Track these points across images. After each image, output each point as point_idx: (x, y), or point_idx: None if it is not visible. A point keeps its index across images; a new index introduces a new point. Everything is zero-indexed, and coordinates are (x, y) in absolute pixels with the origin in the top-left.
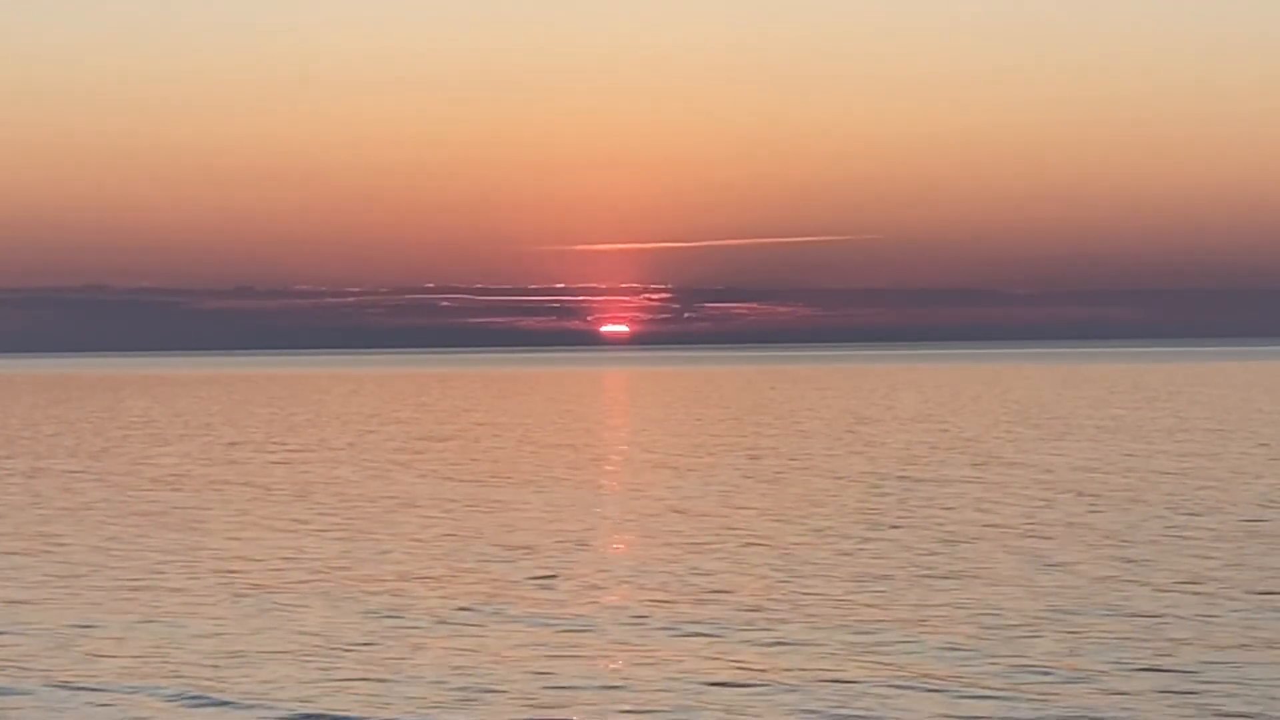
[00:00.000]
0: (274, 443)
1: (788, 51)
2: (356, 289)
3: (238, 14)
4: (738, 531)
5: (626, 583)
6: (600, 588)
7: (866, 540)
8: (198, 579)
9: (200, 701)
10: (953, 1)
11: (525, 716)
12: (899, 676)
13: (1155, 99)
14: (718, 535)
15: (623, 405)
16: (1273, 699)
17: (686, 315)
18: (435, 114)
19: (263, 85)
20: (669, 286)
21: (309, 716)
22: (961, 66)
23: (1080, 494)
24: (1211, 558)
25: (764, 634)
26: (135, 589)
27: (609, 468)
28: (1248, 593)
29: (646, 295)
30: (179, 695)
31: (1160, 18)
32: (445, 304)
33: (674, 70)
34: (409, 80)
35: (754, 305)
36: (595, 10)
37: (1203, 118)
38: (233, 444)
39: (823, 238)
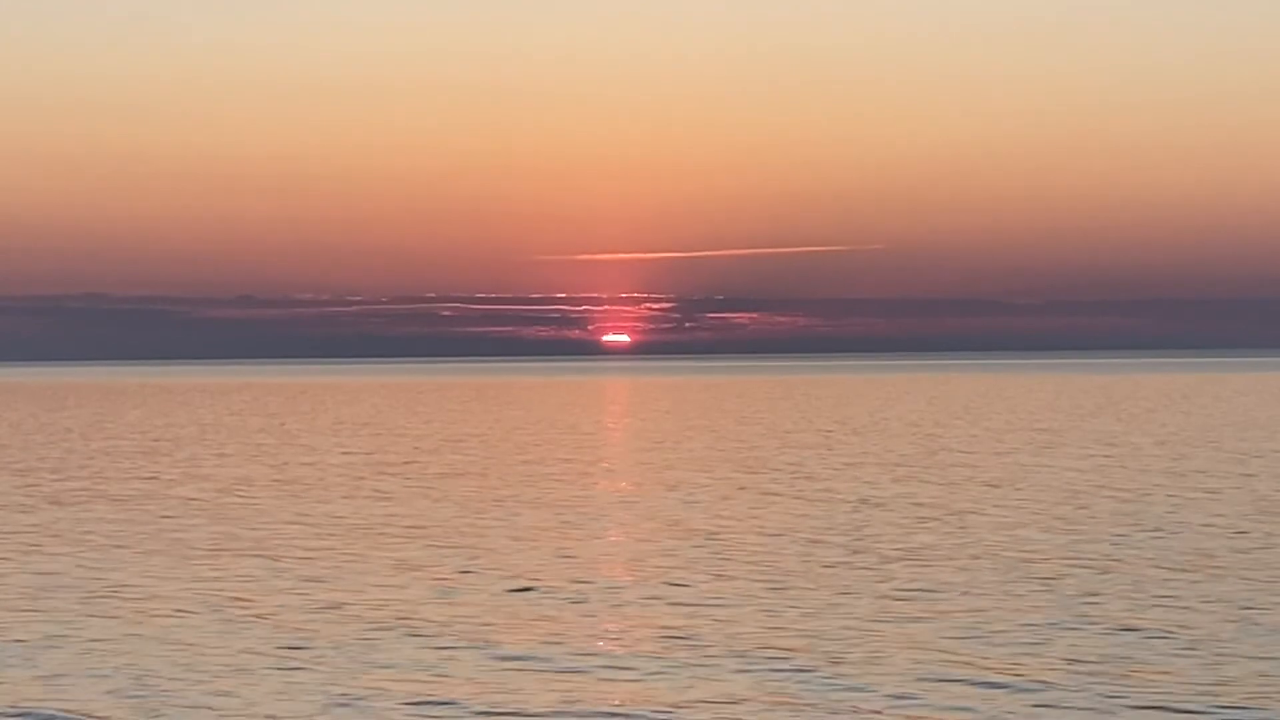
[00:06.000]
0: (264, 454)
1: (790, 62)
2: (358, 298)
3: (239, 23)
4: (721, 547)
5: (602, 602)
6: (574, 606)
7: (852, 561)
8: (160, 600)
9: None
10: (955, 13)
11: None
12: (871, 705)
13: (1159, 109)
14: (700, 552)
15: (620, 415)
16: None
17: (688, 325)
18: (437, 123)
19: (264, 95)
20: (670, 296)
21: None
22: (963, 78)
23: (1061, 512)
24: (1178, 580)
25: (739, 658)
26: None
27: (599, 480)
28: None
29: (648, 305)
30: None
31: (1162, 28)
32: (446, 313)
33: (677, 81)
34: (411, 89)
35: (755, 315)
36: (598, 21)
37: (1206, 127)
38: (221, 454)
39: (824, 248)
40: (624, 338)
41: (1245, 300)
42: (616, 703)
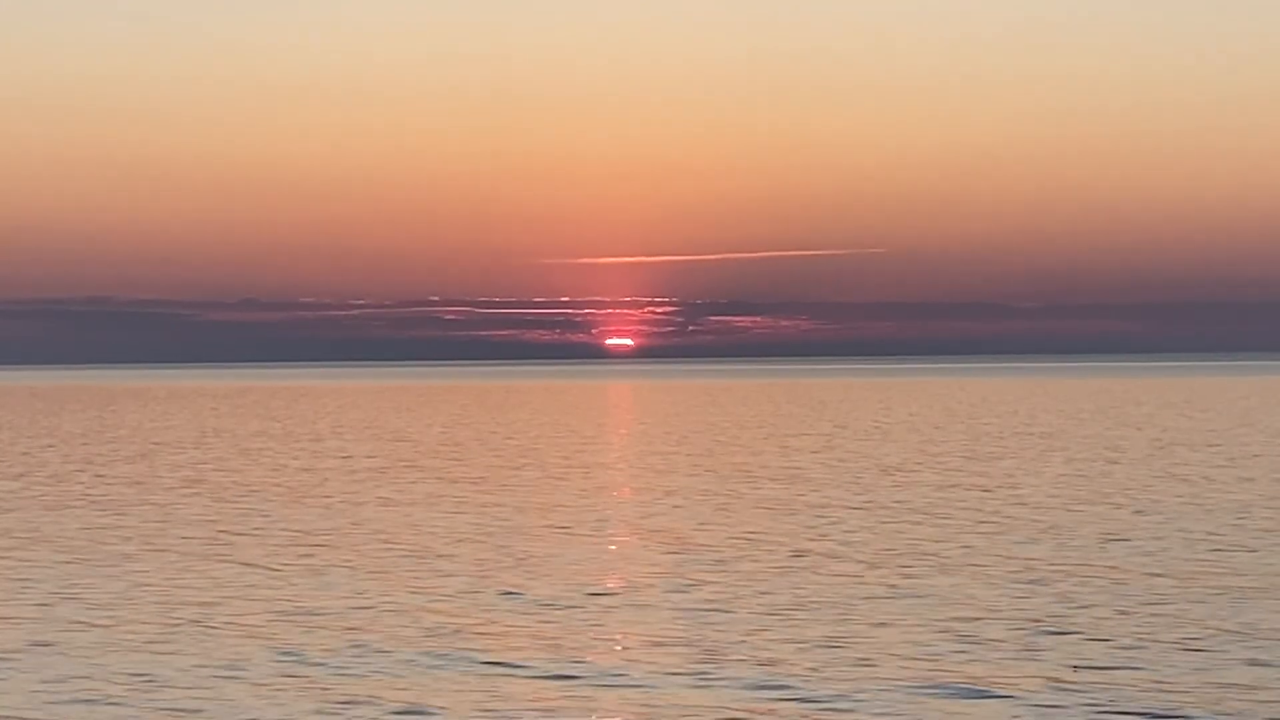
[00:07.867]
0: (264, 458)
1: (792, 65)
2: (361, 301)
3: (242, 27)
4: (716, 553)
5: (594, 609)
6: (567, 612)
7: (845, 568)
8: (131, 610)
9: None
10: (958, 17)
11: None
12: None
13: (1160, 112)
14: (695, 558)
15: (621, 419)
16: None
17: (691, 328)
18: (440, 127)
19: (267, 98)
20: (673, 300)
21: None
22: (966, 81)
23: (1057, 517)
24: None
25: (729, 665)
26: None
27: (598, 485)
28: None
29: (651, 308)
30: None
31: (1163, 32)
32: (450, 316)
33: (679, 84)
34: (413, 93)
35: (758, 319)
36: (601, 24)
37: (1208, 130)
38: (219, 458)
39: (827, 251)
40: (627, 341)
41: (1245, 304)
42: (607, 711)
